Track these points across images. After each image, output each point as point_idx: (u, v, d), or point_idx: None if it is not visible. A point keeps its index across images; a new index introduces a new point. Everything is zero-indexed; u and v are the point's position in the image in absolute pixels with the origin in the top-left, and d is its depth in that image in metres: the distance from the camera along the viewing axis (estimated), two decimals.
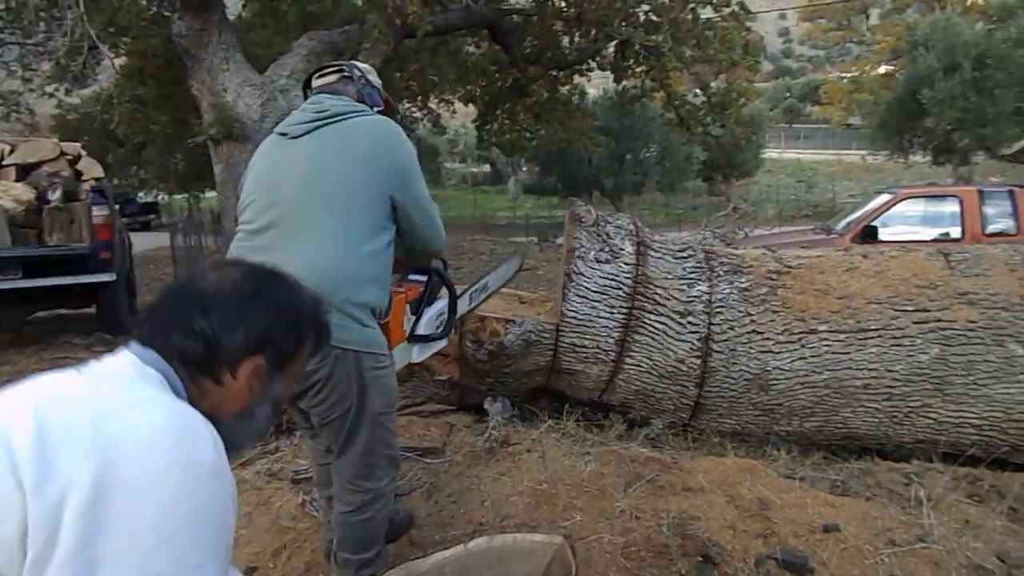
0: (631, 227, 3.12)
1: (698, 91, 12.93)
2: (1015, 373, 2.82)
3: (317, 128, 1.88)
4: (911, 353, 2.89)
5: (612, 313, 2.95)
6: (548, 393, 3.26)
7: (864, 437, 3.08)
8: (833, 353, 2.94)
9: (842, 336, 2.95)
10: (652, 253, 3.09)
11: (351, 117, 1.89)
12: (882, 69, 26.27)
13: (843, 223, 7.05)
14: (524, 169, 31.97)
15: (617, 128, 22.69)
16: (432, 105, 18.16)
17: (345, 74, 2.06)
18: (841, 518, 2.23)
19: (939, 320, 2.89)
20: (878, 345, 2.92)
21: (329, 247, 1.76)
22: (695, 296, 3.01)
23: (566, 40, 12.81)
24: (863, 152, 28.50)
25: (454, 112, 17.49)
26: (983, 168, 22.22)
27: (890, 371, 2.92)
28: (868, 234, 6.34)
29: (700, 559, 2.10)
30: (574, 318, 2.94)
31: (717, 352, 3.00)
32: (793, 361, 2.97)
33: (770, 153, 36.71)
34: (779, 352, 2.97)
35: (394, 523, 2.36)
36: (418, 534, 2.38)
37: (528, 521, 2.34)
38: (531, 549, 1.72)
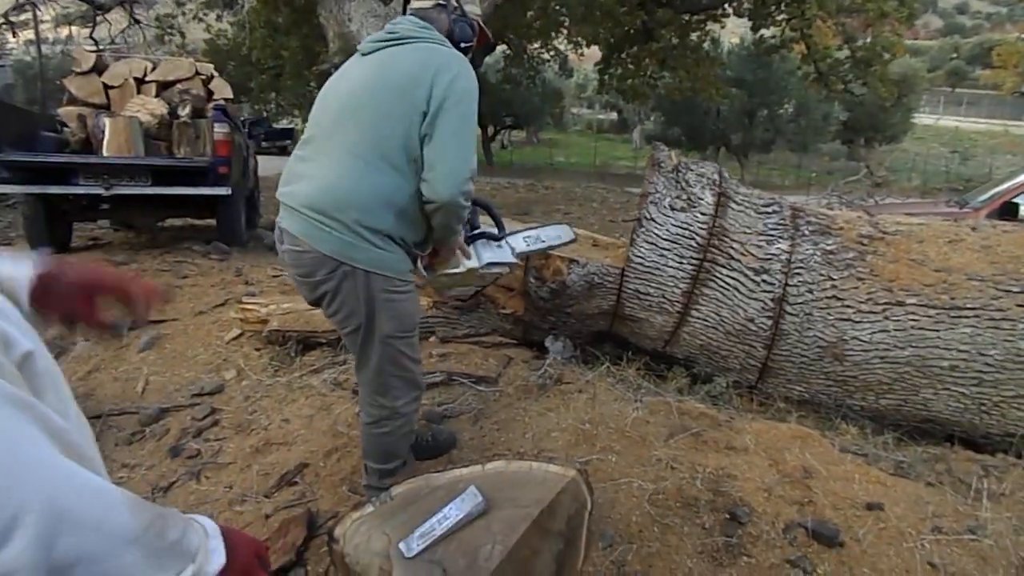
0: (714, 176, 2.99)
1: (843, 45, 11.98)
2: None
3: (381, 49, 1.89)
4: (1010, 338, 2.64)
5: (681, 263, 2.87)
6: (612, 338, 3.24)
7: (946, 422, 2.86)
8: (920, 329, 2.73)
9: (932, 312, 2.72)
10: (733, 205, 2.95)
11: (413, 42, 1.86)
12: None
13: (981, 197, 6.38)
14: (651, 119, 31.04)
15: (751, 81, 21.49)
16: (560, 46, 17.80)
17: (440, 2, 2.01)
18: (889, 498, 2.11)
19: None
20: (973, 326, 2.69)
21: (347, 166, 1.77)
22: (773, 254, 2.86)
23: None
24: None
25: (582, 55, 17.13)
26: None
27: (983, 355, 2.68)
28: (1007, 211, 5.70)
29: (727, 516, 2.06)
30: (640, 264, 2.88)
31: (791, 315, 2.86)
32: (874, 333, 2.78)
33: (924, 119, 33.70)
34: (859, 322, 2.80)
35: (437, 441, 2.47)
36: (458, 455, 2.47)
37: (564, 456, 2.37)
38: (544, 478, 1.74)
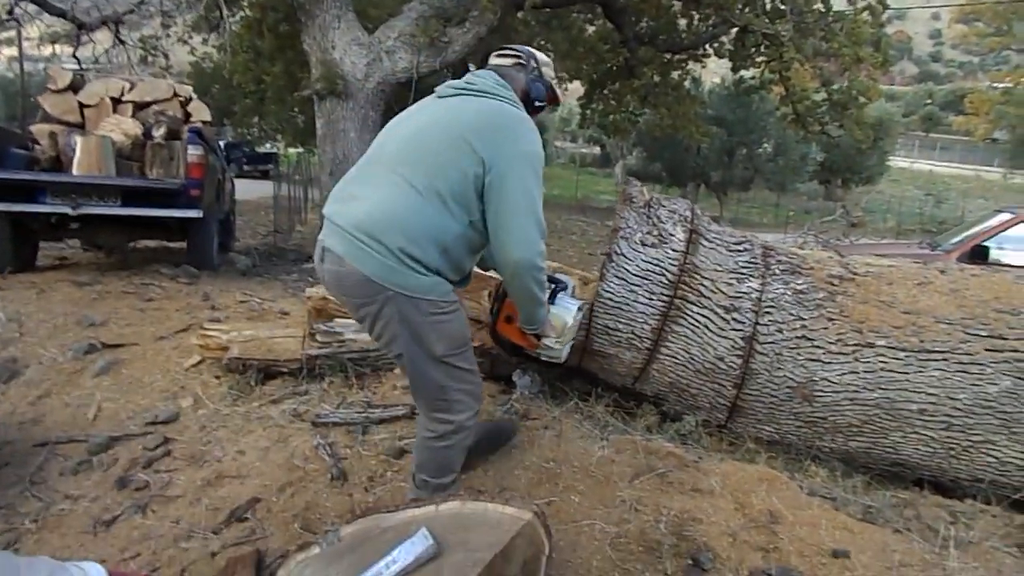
0: (686, 213, 2.97)
1: (821, 87, 12.21)
2: None
3: (457, 95, 1.95)
4: (978, 382, 2.62)
5: (651, 299, 2.83)
6: (581, 374, 3.18)
7: (916, 466, 2.83)
8: (889, 371, 2.71)
9: (902, 354, 2.71)
10: (704, 243, 2.93)
11: (487, 97, 1.92)
12: None
13: (952, 240, 6.47)
14: (634, 154, 31.39)
15: (731, 119, 21.83)
16: None
17: (521, 61, 2.11)
18: (855, 545, 2.06)
19: (1016, 351, 2.60)
20: (942, 369, 2.67)
21: (403, 195, 1.81)
22: (744, 292, 2.84)
23: (683, 23, 12.36)
24: (1004, 170, 26.22)
25: (566, 89, 17.32)
26: None
27: (952, 399, 2.66)
28: (977, 254, 5.78)
29: (690, 562, 2.00)
30: (610, 300, 2.84)
31: (761, 354, 2.83)
32: (843, 374, 2.76)
33: (899, 162, 34.46)
34: (829, 362, 2.77)
35: None
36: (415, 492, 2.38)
37: (526, 496, 2.30)
38: (499, 520, 1.67)
